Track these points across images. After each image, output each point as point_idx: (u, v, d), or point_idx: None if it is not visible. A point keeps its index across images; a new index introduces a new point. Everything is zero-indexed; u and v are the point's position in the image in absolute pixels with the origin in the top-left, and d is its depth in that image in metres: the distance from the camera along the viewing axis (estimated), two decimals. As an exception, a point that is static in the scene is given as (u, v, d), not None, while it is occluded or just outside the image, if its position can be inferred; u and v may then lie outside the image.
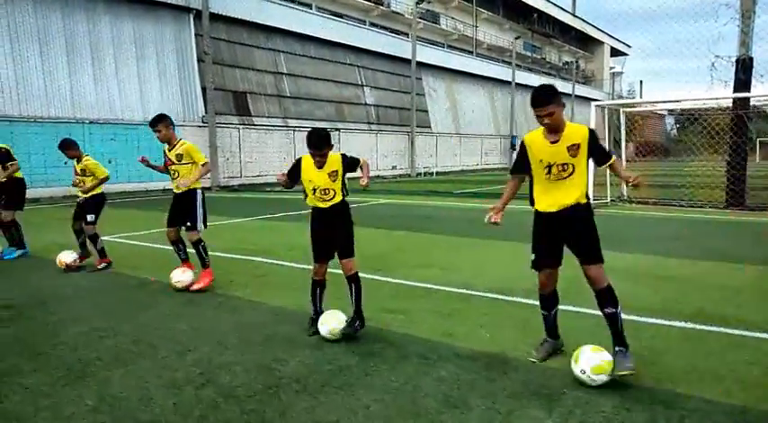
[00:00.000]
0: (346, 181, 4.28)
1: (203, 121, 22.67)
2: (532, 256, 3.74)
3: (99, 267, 6.83)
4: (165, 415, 3.00)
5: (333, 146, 4.18)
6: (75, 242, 7.13)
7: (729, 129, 12.45)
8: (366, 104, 32.61)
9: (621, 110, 15.18)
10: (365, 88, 32.70)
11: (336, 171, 4.17)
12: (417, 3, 33.17)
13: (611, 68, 71.36)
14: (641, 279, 5.95)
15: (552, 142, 3.51)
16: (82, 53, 19.63)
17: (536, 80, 51.16)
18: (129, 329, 4.48)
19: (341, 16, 32.43)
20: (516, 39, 45.38)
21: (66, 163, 18.59)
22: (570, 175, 3.50)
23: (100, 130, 19.58)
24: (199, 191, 5.85)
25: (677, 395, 3.15)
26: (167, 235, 5.98)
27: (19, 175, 7.80)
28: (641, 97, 59.91)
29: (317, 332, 4.22)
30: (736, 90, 12.74)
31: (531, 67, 53.22)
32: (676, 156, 31.32)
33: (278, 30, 27.00)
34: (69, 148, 7.03)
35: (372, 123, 32.65)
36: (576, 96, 55.63)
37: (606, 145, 14.45)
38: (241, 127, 24.83)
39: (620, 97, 63.75)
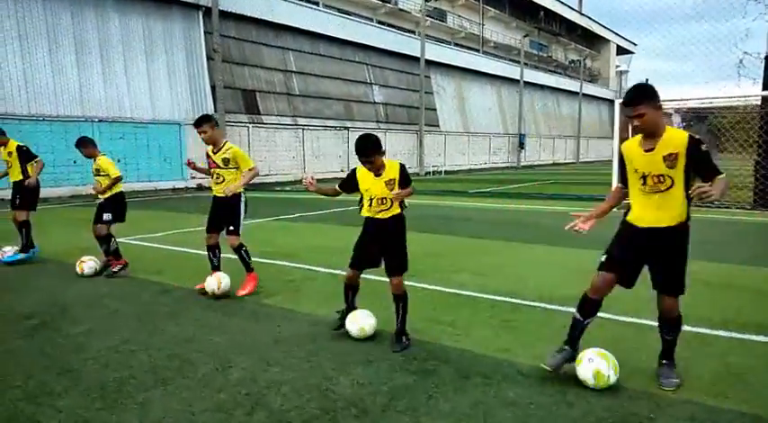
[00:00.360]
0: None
1: (212, 120, 22.35)
2: (603, 257, 3.41)
3: (115, 270, 6.52)
4: (216, 445, 2.72)
5: (384, 152, 3.95)
6: (99, 249, 6.80)
7: (759, 127, 12.10)
8: (375, 103, 32.30)
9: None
10: (374, 86, 32.39)
11: (393, 180, 3.93)
12: (426, 0, 32.82)
13: (617, 67, 70.88)
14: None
15: (647, 150, 3.16)
16: (91, 51, 19.36)
17: (545, 79, 50.86)
18: (160, 342, 4.20)
19: (348, 14, 32.09)
20: (525, 37, 45.01)
21: (75, 162, 18.52)
22: (668, 188, 3.13)
23: (109, 128, 19.33)
24: (243, 195, 5.59)
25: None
26: (207, 240, 5.69)
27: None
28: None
29: (343, 326, 4.19)
30: (765, 87, 12.40)
31: (537, 66, 52.82)
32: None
33: (287, 27, 26.70)
34: (85, 146, 6.73)
35: (381, 122, 32.34)
36: (584, 95, 55.28)
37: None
38: (250, 125, 24.55)
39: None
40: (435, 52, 35.41)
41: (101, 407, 3.15)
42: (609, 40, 68.49)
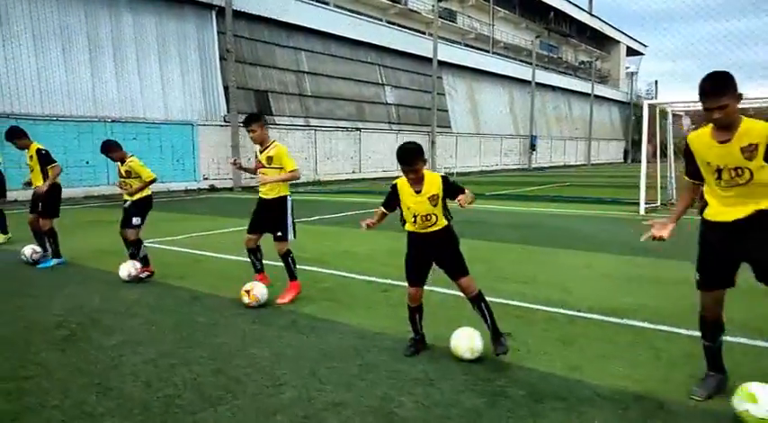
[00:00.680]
0: (448, 204, 3.80)
1: (225, 121, 22.17)
2: (697, 276, 3.15)
3: (142, 277, 6.33)
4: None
5: (426, 160, 3.71)
6: (125, 253, 6.57)
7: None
8: (387, 103, 32.02)
9: (668, 108, 14.46)
10: (386, 87, 32.12)
11: (436, 195, 3.68)
12: (438, 0, 32.54)
13: (627, 68, 70.38)
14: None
15: (721, 142, 2.90)
16: (104, 51, 19.18)
17: (557, 80, 50.46)
18: (200, 356, 3.94)
19: (358, 14, 31.85)
20: (536, 38, 44.68)
21: (87, 162, 18.35)
22: (748, 181, 2.86)
23: (122, 128, 19.12)
24: (289, 198, 5.42)
25: None
26: (246, 242, 5.52)
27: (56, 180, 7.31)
28: (657, 98, 58.85)
29: (416, 353, 3.92)
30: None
31: (546, 67, 52.43)
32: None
33: (299, 27, 26.47)
34: (112, 150, 6.56)
35: (393, 123, 32.06)
36: (595, 96, 54.86)
37: (644, 147, 13.60)
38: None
39: (639, 97, 62.77)
40: (447, 53, 35.11)
41: (148, 431, 2.90)
42: (619, 42, 68.01)
